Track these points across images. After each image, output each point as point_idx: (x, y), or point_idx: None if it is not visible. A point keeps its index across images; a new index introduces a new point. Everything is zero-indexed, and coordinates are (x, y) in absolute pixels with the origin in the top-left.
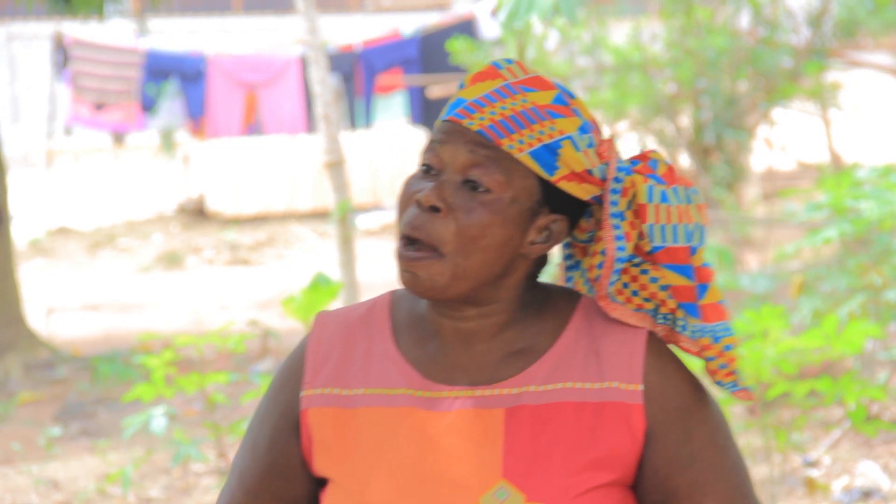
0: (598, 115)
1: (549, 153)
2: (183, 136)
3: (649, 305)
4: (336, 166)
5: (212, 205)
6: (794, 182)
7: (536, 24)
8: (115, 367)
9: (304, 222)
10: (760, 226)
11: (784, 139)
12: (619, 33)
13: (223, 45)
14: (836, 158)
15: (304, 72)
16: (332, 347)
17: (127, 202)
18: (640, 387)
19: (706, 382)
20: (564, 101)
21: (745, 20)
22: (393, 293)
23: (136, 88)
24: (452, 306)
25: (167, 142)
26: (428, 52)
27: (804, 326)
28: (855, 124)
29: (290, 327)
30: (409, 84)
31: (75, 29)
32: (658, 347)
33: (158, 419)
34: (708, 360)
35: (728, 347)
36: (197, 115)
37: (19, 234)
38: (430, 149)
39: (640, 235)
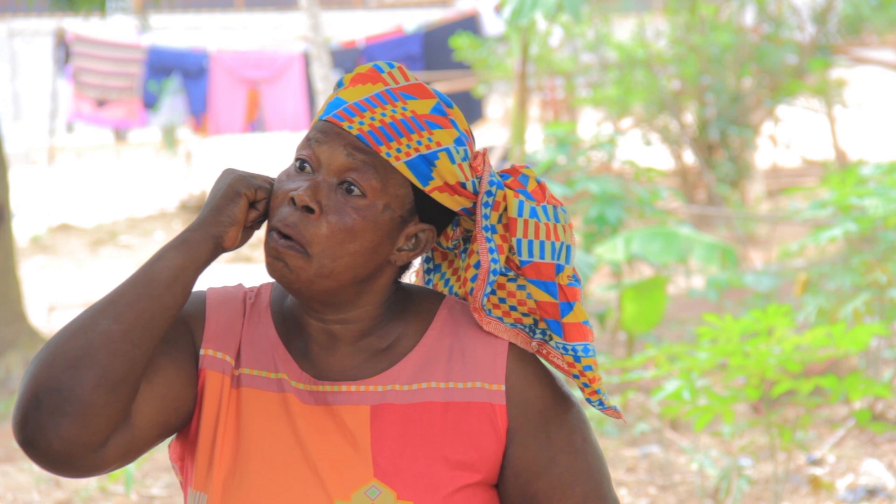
0: (602, 112)
1: (425, 164)
2: (185, 133)
3: (527, 320)
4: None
5: None
6: (798, 179)
7: (540, 21)
8: None
9: None
10: (765, 223)
11: (789, 136)
12: (623, 30)
13: (225, 42)
14: (840, 155)
15: (307, 68)
16: (229, 317)
17: (129, 199)
18: (503, 387)
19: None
20: (443, 111)
21: (749, 17)
22: (273, 284)
23: (139, 85)
24: (316, 307)
25: (169, 138)
26: (431, 49)
27: (809, 324)
28: (860, 121)
29: None
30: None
31: (77, 25)
32: (520, 351)
33: None
34: (574, 377)
35: (587, 368)
36: (199, 112)
37: (21, 231)
38: (307, 146)
39: (511, 249)
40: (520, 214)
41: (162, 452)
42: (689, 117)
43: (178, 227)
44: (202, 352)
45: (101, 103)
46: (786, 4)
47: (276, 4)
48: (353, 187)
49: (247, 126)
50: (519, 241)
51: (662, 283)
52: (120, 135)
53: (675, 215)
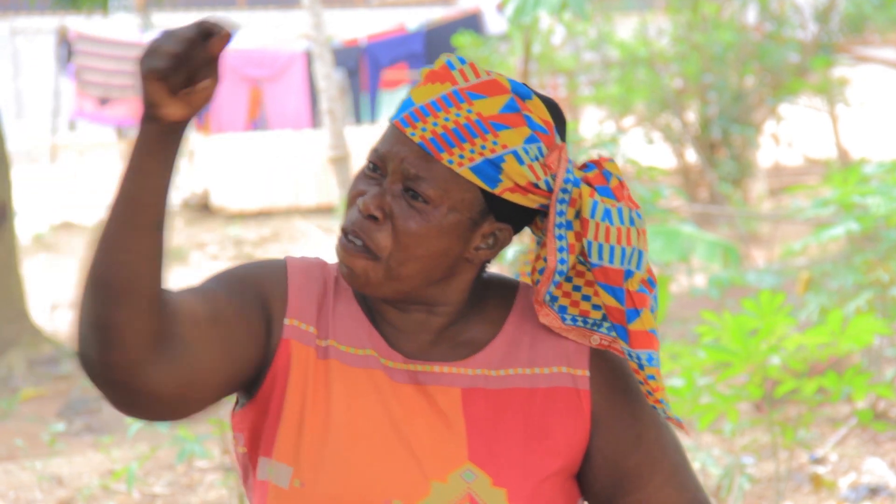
0: (605, 111)
1: (491, 167)
2: (187, 132)
3: (596, 314)
4: (341, 161)
5: (216, 200)
6: (800, 178)
7: (542, 20)
8: None
9: (309, 218)
10: (767, 222)
11: (791, 135)
12: (626, 28)
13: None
14: (843, 154)
15: (309, 67)
16: (311, 289)
17: None
18: (587, 372)
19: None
20: (515, 108)
21: (751, 15)
22: None
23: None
24: (393, 303)
25: None
26: (433, 47)
27: (811, 323)
28: (862, 120)
29: None
30: (414, 79)
31: (79, 23)
32: None
33: None
34: (639, 383)
35: (651, 377)
36: (201, 111)
37: (23, 230)
38: (376, 150)
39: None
40: (592, 216)
41: (164, 451)
42: (692, 116)
43: (180, 226)
44: (286, 321)
45: (103, 101)
46: (788, 3)
47: (278, 3)
48: (417, 194)
49: (249, 124)
50: (589, 244)
51: (665, 281)
52: (122, 133)
53: (678, 214)
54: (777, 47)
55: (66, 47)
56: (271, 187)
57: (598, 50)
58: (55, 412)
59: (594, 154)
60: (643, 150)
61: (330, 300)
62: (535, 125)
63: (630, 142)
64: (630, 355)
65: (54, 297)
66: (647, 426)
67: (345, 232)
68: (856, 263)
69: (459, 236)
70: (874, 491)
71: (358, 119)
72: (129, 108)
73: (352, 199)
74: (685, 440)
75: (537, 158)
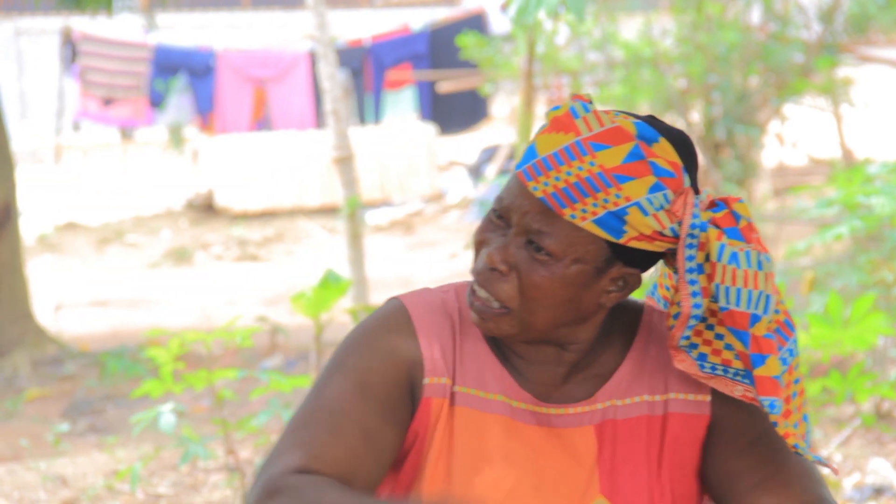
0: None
1: (614, 219)
2: (191, 132)
3: (738, 364)
4: (345, 162)
5: (220, 200)
6: (805, 178)
7: (546, 20)
8: (124, 364)
9: (313, 218)
10: (771, 222)
11: (795, 135)
12: (630, 28)
13: (232, 41)
14: (847, 154)
15: (313, 67)
16: (439, 336)
17: (135, 198)
18: (708, 398)
19: None
20: (640, 155)
21: (756, 15)
22: (457, 289)
23: (145, 84)
24: (530, 341)
25: (176, 137)
26: (437, 48)
27: None
28: (866, 120)
29: (299, 324)
30: (418, 79)
31: (83, 24)
32: None
33: (167, 416)
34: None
35: (774, 424)
36: (205, 111)
37: (27, 230)
38: (499, 201)
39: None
40: (720, 259)
41: (168, 451)
42: (696, 116)
43: (184, 226)
44: (426, 381)
45: (107, 102)
46: (792, 3)
47: (282, 3)
48: (540, 247)
49: (253, 125)
50: (717, 287)
51: None
52: (126, 133)
53: None
54: (781, 47)
55: (71, 48)
56: (275, 187)
57: (603, 50)
58: (59, 412)
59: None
60: None
61: (457, 340)
62: (661, 171)
63: None
64: (757, 397)
65: (59, 297)
66: (765, 434)
67: (475, 278)
68: (860, 263)
69: (585, 284)
70: (879, 491)
71: (362, 119)
72: (133, 109)
73: (478, 245)
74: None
75: (662, 207)
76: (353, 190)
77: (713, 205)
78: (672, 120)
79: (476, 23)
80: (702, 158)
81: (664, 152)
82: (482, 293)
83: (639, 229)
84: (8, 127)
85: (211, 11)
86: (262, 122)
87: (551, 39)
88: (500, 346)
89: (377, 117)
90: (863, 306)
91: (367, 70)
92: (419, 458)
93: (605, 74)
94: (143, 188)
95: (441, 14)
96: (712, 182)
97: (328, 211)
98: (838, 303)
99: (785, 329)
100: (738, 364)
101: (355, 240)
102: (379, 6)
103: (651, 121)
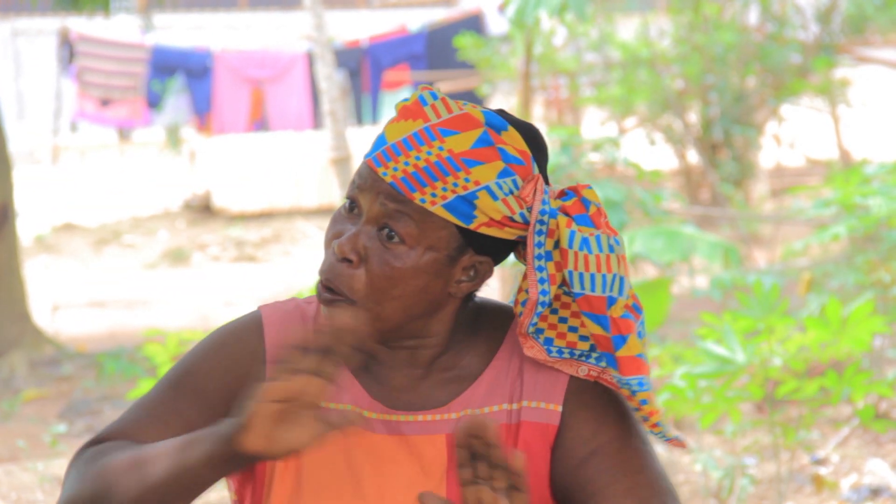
0: (606, 112)
1: (464, 204)
2: (189, 133)
3: (584, 345)
4: (342, 162)
5: (217, 201)
6: (802, 179)
7: (544, 20)
8: (121, 364)
9: (310, 219)
10: (768, 222)
11: (792, 135)
12: (627, 29)
13: (229, 41)
14: (844, 155)
15: (311, 68)
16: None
17: (132, 198)
18: (560, 408)
19: None
20: (489, 141)
21: (753, 16)
22: None
23: (142, 84)
24: (380, 340)
25: (173, 138)
26: (435, 48)
27: None
28: (864, 120)
29: None
30: (415, 80)
31: (81, 25)
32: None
33: None
34: (634, 409)
35: (643, 402)
36: (203, 112)
37: (24, 231)
38: (351, 188)
39: (564, 278)
40: (571, 246)
41: None
42: (693, 117)
43: (181, 227)
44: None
45: (104, 102)
46: (789, 4)
47: (279, 4)
48: (392, 234)
49: (251, 125)
50: (571, 273)
51: (666, 283)
52: (124, 134)
53: (680, 216)
54: (779, 48)
55: (68, 48)
56: (273, 188)
57: (600, 51)
58: (57, 413)
59: (595, 158)
60: (645, 151)
61: None
62: (510, 157)
63: (631, 143)
64: (621, 383)
65: (56, 298)
66: (605, 445)
67: (321, 277)
68: (857, 264)
69: (438, 273)
70: (876, 492)
71: (359, 120)
72: (131, 109)
73: (328, 241)
74: (686, 439)
75: (511, 192)
76: None
77: (563, 194)
78: (669, 121)
79: (473, 24)
80: (699, 159)
81: (512, 140)
82: (328, 292)
83: (489, 214)
84: (5, 127)
85: (208, 12)
86: (259, 122)
87: (549, 40)
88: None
89: (374, 118)
90: (862, 312)
91: (365, 71)
92: (265, 467)
93: (602, 75)
94: (141, 189)
95: (438, 15)
96: (710, 182)
97: (325, 212)
98: (835, 305)
99: (633, 311)
100: (582, 345)
101: None
102: (376, 7)
103: (500, 112)
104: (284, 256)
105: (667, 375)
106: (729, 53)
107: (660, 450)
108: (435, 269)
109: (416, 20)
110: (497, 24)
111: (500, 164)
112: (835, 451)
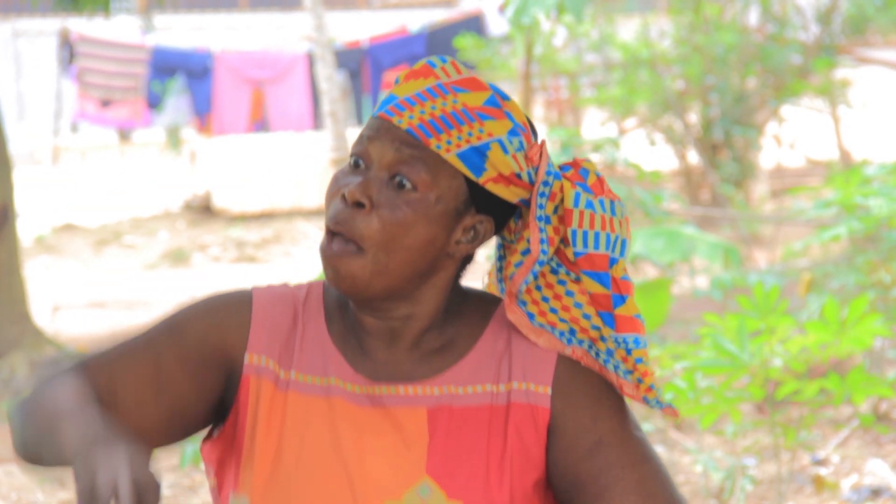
0: (606, 112)
1: (477, 155)
2: (189, 133)
3: (562, 326)
4: (343, 163)
5: (218, 202)
6: (802, 179)
7: (544, 21)
8: None
9: (311, 219)
10: (769, 223)
11: (793, 136)
12: (628, 30)
13: (229, 42)
14: (845, 155)
15: (311, 68)
16: (277, 321)
17: (133, 199)
18: (549, 390)
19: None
20: (497, 104)
21: (753, 16)
22: (312, 285)
23: (143, 85)
24: (376, 306)
25: (173, 139)
26: (435, 49)
27: None
28: (864, 121)
29: None
30: None
31: (81, 25)
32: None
33: None
34: (625, 375)
35: (639, 360)
36: (203, 112)
37: (25, 231)
38: (360, 143)
39: (564, 242)
40: (576, 205)
41: (166, 452)
42: (693, 117)
43: (182, 227)
44: (246, 359)
45: (105, 103)
46: (790, 4)
47: (280, 5)
48: (404, 181)
49: (251, 126)
50: (574, 232)
51: (667, 283)
52: (124, 135)
53: (680, 217)
54: (779, 49)
55: (68, 49)
56: (273, 189)
57: (600, 51)
58: None
59: (595, 158)
60: (645, 151)
61: (299, 329)
62: (516, 122)
63: (632, 144)
64: (617, 342)
65: (56, 298)
66: (608, 434)
67: (328, 231)
68: (858, 264)
69: (445, 226)
70: (876, 492)
71: (360, 121)
72: (131, 110)
73: (333, 194)
74: (686, 440)
75: (520, 149)
76: None
77: (561, 167)
78: (670, 121)
79: (474, 24)
80: (699, 160)
81: (515, 111)
82: (338, 240)
83: (498, 168)
84: (5, 128)
85: (208, 13)
86: (259, 123)
87: (549, 41)
88: (342, 325)
89: None
90: (858, 308)
91: (365, 71)
92: (244, 438)
93: (602, 76)
94: (141, 189)
95: (439, 15)
96: (710, 183)
97: None
98: (835, 305)
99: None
100: (562, 326)
101: None
102: (377, 8)
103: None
104: (285, 257)
105: (667, 376)
106: (729, 54)
107: (660, 450)
108: (443, 221)
109: (417, 21)
110: (497, 25)
111: (509, 124)
112: (835, 452)
